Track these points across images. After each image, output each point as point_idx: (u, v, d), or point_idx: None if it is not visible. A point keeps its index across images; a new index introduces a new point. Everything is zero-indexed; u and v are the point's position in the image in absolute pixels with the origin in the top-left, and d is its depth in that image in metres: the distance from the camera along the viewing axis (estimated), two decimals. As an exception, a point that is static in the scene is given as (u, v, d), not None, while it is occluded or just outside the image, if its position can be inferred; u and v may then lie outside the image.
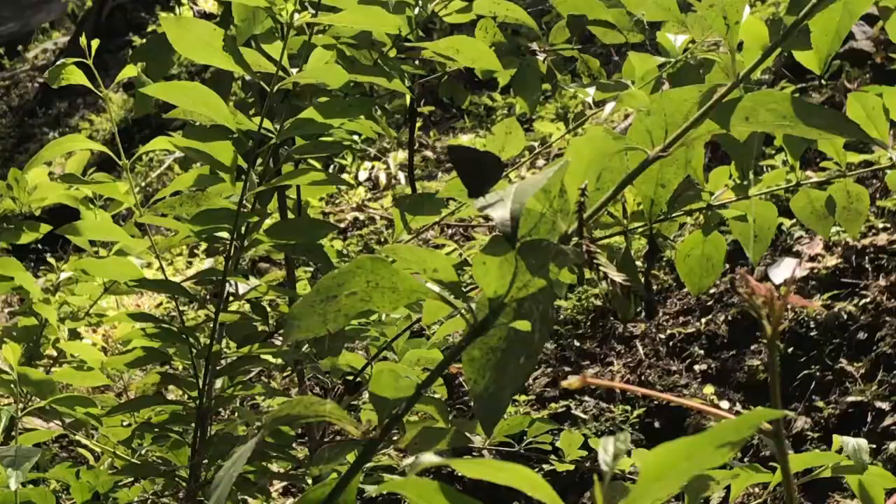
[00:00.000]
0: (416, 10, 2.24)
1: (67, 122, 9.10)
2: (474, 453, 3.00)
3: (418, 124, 6.44)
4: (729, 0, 1.10)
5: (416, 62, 2.23)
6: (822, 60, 1.19)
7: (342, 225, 5.62)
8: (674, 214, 2.16)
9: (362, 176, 6.01)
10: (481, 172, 1.10)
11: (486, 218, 1.06)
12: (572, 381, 0.84)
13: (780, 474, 1.88)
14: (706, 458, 0.79)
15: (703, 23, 1.92)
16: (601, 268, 1.05)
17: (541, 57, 2.31)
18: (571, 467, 2.44)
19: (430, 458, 1.06)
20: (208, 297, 2.17)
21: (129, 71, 2.02)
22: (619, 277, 1.04)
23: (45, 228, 2.88)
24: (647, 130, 1.14)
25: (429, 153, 6.34)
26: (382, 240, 5.50)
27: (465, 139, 6.07)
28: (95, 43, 2.01)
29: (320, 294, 1.16)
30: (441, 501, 0.81)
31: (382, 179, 5.99)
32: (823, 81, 4.85)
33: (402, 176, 5.97)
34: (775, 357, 0.85)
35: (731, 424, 0.78)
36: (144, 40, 2.31)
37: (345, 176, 6.01)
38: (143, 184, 6.83)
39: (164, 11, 9.22)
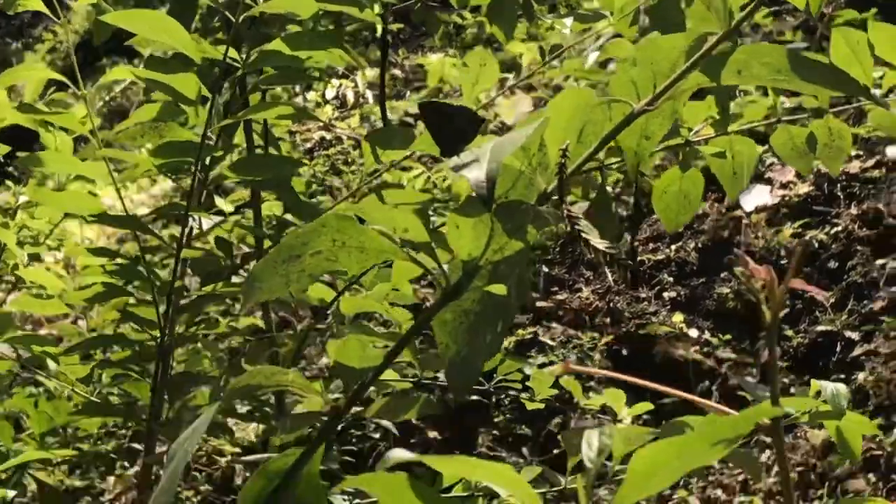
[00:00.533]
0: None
1: (31, 32, 8.92)
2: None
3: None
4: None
5: (387, -8, 2.15)
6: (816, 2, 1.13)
7: (309, 144, 5.53)
8: (653, 151, 2.10)
9: (329, 94, 5.90)
10: (455, 130, 1.03)
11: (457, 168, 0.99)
12: (555, 369, 0.78)
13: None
14: (700, 456, 0.74)
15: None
16: (582, 234, 0.98)
17: (516, -16, 2.22)
18: (542, 406, 2.39)
19: (400, 453, 1.00)
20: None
21: (88, -2, 1.93)
22: (601, 245, 0.98)
23: (3, 149, 2.80)
24: (632, 82, 1.07)
25: (397, 72, 6.23)
26: (349, 160, 5.41)
27: (433, 58, 5.97)
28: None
29: (283, 254, 1.09)
30: (411, 498, 0.75)
31: (350, 98, 5.89)
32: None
33: (370, 94, 5.87)
34: (775, 346, 0.79)
35: (728, 422, 0.72)
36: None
37: (312, 94, 5.89)
38: (107, 98, 6.70)
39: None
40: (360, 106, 5.85)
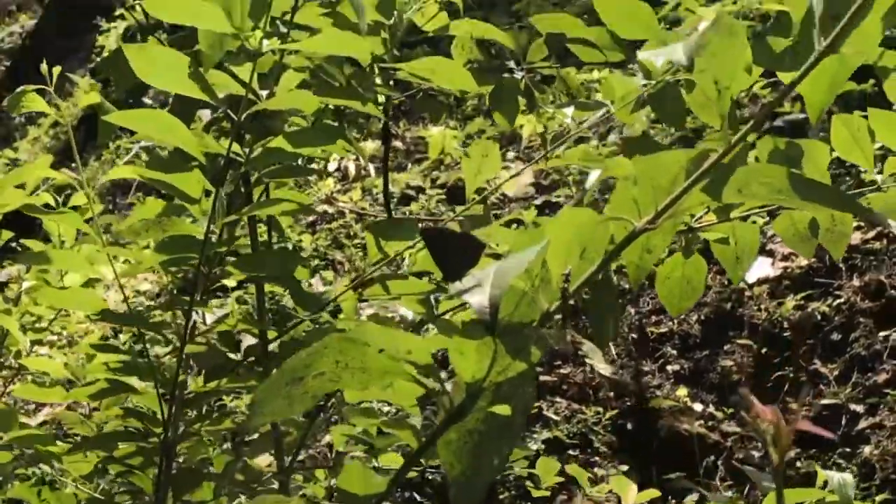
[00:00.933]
0: (392, 21, 2.16)
1: (35, 105, 8.94)
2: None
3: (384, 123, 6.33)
4: (720, 64, 1.03)
5: (391, 82, 2.15)
6: (816, 113, 1.12)
7: (311, 218, 5.53)
8: (654, 263, 2.09)
9: (331, 167, 5.92)
10: (457, 256, 1.03)
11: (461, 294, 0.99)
12: None
13: None
14: None
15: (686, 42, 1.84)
16: (587, 359, 0.98)
17: (519, 75, 2.23)
18: (547, 493, 2.37)
19: None
20: (173, 325, 2.09)
21: (91, 98, 1.93)
22: (606, 371, 0.97)
23: (6, 235, 2.81)
24: (634, 200, 1.07)
25: (398, 144, 6.25)
26: (352, 234, 5.41)
27: (434, 130, 5.98)
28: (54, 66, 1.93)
29: (286, 376, 1.09)
30: None
31: (352, 170, 5.90)
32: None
33: (371, 167, 5.88)
34: (781, 485, 0.78)
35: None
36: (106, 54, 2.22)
37: (313, 166, 5.90)
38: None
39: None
40: (362, 178, 5.86)
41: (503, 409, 1.06)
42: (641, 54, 1.65)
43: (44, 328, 2.99)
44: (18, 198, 2.45)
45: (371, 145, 6.00)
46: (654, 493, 2.32)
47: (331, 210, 5.55)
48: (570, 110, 2.11)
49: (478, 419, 1.10)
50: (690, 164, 1.08)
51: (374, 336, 1.07)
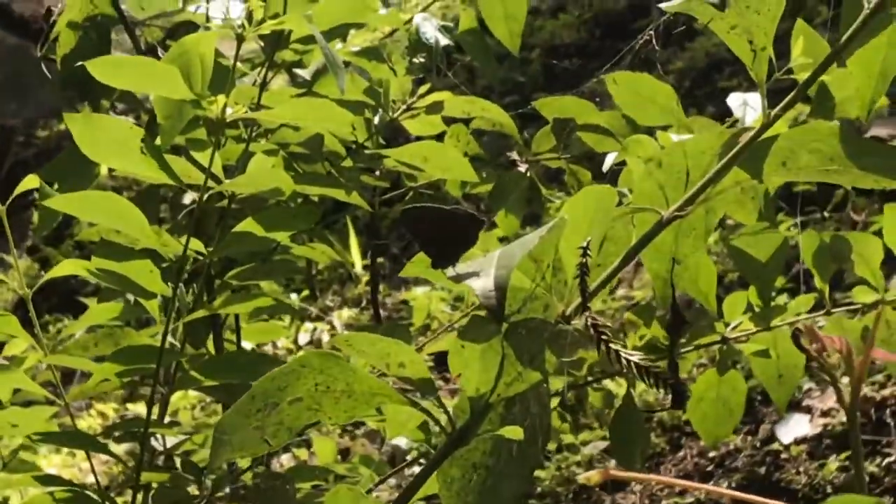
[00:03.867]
0: (377, 117, 2.13)
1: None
2: None
3: (364, 279, 6.31)
4: (755, 21, 0.99)
5: (377, 173, 2.10)
6: (865, 103, 1.07)
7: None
8: (683, 350, 2.02)
9: (303, 339, 5.84)
10: (450, 236, 0.97)
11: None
12: (592, 475, 0.70)
13: None
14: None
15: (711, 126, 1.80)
16: (613, 347, 0.91)
17: (522, 168, 2.18)
18: None
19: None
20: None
21: (31, 182, 1.88)
22: (635, 357, 0.90)
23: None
24: (660, 186, 1.01)
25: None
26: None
27: (419, 291, 5.94)
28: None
29: (257, 401, 1.02)
30: None
31: (325, 341, 5.84)
32: (826, 214, 4.76)
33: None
34: (857, 427, 0.71)
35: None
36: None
37: (282, 342, 5.83)
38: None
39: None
40: (339, 350, 5.79)
41: (515, 433, 0.99)
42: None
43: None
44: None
45: (346, 313, 5.96)
46: None
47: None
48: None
49: (484, 450, 1.02)
50: (722, 148, 1.03)
51: (362, 348, 1.01)
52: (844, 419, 4.22)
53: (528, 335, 0.96)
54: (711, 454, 4.41)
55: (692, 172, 1.05)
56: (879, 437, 4.15)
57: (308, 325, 5.88)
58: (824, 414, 4.31)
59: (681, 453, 4.41)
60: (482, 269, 0.93)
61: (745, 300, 2.07)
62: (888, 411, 4.21)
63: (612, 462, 4.06)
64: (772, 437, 4.26)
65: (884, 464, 4.05)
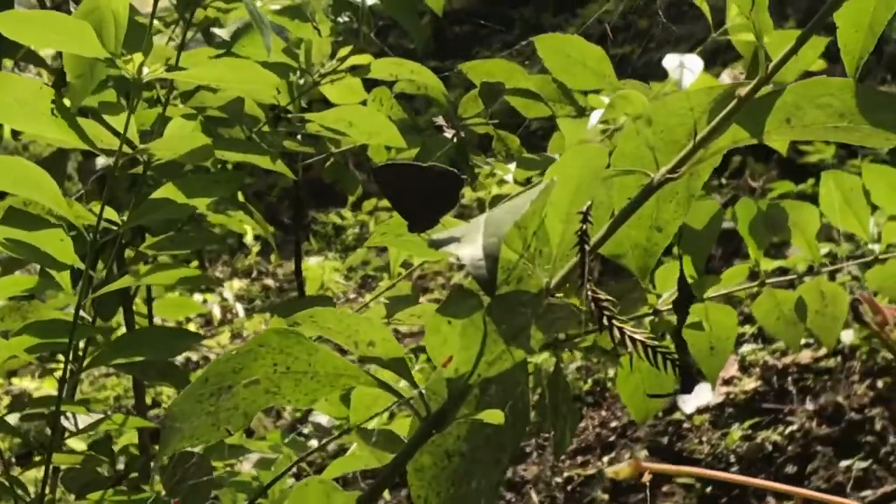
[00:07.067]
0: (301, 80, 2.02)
1: None
2: None
3: (255, 249, 6.20)
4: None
5: (298, 138, 1.99)
6: (854, 59, 0.99)
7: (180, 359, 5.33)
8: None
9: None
10: (427, 196, 0.87)
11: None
12: (620, 469, 0.61)
13: None
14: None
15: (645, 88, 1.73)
16: (614, 323, 0.82)
17: (448, 134, 2.07)
18: None
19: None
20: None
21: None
22: (640, 335, 0.81)
23: None
24: (649, 146, 0.92)
25: (269, 281, 6.08)
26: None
27: (312, 261, 5.84)
28: None
29: (210, 384, 0.91)
30: None
31: (217, 314, 5.72)
32: (724, 180, 4.72)
33: (240, 308, 5.71)
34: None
35: None
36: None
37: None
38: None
39: None
40: (230, 322, 5.68)
41: (494, 416, 0.90)
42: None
43: None
44: None
45: (237, 284, 5.84)
46: None
47: (195, 357, 5.33)
48: (512, 165, 1.96)
49: (459, 436, 0.93)
50: (714, 104, 0.95)
51: (327, 324, 0.91)
52: (748, 388, 4.21)
53: (513, 310, 0.87)
54: (613, 423, 4.38)
55: (677, 132, 0.96)
56: (782, 406, 4.13)
57: (197, 297, 5.75)
58: (727, 382, 4.28)
59: (582, 424, 4.36)
60: (466, 236, 0.83)
61: (676, 271, 2.00)
62: (790, 379, 4.20)
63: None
64: (674, 407, 4.22)
65: (786, 432, 4.03)
